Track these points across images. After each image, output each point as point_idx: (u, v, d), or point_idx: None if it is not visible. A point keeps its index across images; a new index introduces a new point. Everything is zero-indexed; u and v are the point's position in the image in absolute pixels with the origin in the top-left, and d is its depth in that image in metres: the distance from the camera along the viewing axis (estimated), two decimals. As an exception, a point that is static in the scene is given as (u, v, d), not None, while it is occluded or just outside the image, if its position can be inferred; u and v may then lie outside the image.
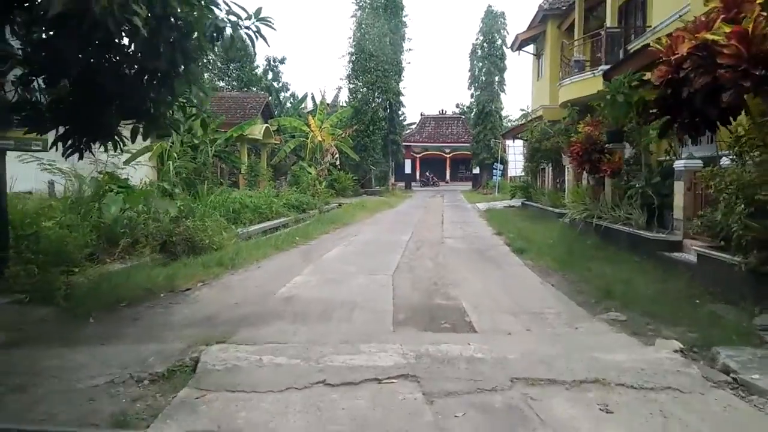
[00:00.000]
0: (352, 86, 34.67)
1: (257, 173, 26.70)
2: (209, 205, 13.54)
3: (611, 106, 9.98)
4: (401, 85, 37.32)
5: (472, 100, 41.34)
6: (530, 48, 23.98)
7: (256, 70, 39.71)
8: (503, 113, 41.73)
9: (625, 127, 11.39)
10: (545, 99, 21.33)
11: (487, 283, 7.43)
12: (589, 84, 15.34)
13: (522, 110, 17.96)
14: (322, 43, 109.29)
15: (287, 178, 28.91)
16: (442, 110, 50.44)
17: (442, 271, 8.32)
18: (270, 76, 47.36)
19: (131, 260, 8.52)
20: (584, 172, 13.37)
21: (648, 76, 5.59)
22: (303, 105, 39.27)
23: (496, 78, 40.35)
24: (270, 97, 31.97)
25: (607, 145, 11.82)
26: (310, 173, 25.06)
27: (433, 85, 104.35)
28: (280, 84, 47.74)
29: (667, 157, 10.22)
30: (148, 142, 19.50)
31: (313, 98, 36.19)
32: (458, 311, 5.86)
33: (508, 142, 39.46)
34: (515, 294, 6.75)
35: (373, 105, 34.45)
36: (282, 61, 47.36)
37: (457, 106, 59.17)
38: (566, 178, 16.54)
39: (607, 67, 14.29)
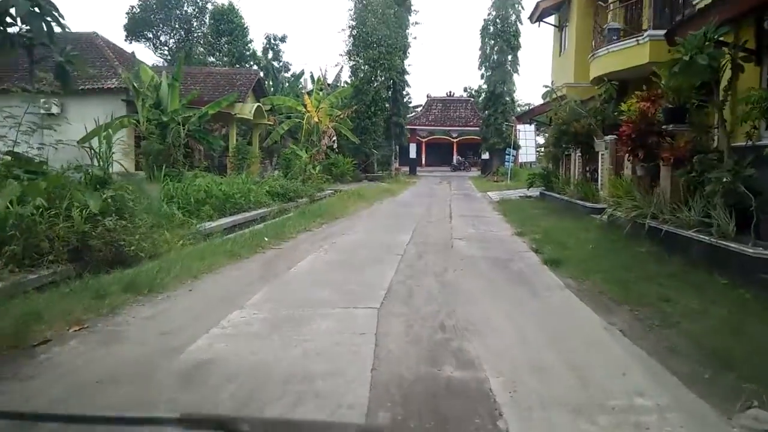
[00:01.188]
0: (352, 63, 31.91)
1: (245, 156, 24.24)
2: (165, 195, 11.06)
3: (685, 71, 7.33)
4: (406, 62, 34.52)
5: (482, 81, 38.46)
6: (551, 19, 21.17)
7: (250, 45, 36.95)
8: (515, 96, 38.85)
9: (690, 102, 8.77)
10: (569, 76, 18.62)
11: (521, 328, 4.88)
12: (630, 54, 12.67)
13: (546, 86, 15.22)
14: (327, 20, 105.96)
15: (275, 161, 26.34)
16: (450, 92, 47.61)
17: (453, 302, 5.77)
18: (270, 55, 44.66)
19: (15, 276, 6.06)
20: (628, 160, 10.75)
21: None
22: (300, 84, 36.63)
23: (509, 57, 37.38)
24: (261, 73, 29.33)
25: (665, 127, 9.21)
26: (301, 157, 22.41)
27: (440, 67, 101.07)
28: (281, 63, 45.00)
29: (749, 142, 7.60)
30: (103, 119, 17.07)
31: (312, 77, 33.49)
32: (483, 401, 3.33)
33: (520, 126, 36.87)
34: (572, 355, 4.20)
35: (375, 84, 31.67)
36: (283, 39, 44.56)
37: (465, 90, 56.29)
38: (600, 166, 13.90)
39: (657, 31, 11.63)
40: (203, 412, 1.12)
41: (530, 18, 20.71)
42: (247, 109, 27.40)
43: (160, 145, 15.87)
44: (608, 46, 13.17)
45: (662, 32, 11.68)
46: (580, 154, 15.77)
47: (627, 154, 9.89)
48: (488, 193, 23.30)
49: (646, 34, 11.91)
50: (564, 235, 10.12)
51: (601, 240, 9.62)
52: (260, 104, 28.58)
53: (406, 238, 10.21)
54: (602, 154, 13.72)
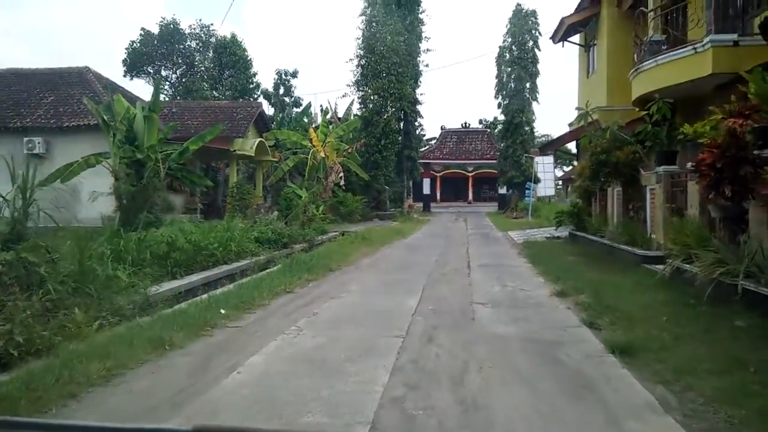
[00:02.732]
0: (360, 94, 30.05)
1: (244, 197, 22.21)
2: (114, 251, 8.88)
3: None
4: (418, 92, 32.70)
5: (499, 111, 36.42)
6: (577, 38, 19.10)
7: (254, 78, 35.46)
8: (534, 125, 36.69)
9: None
10: (600, 99, 16.39)
11: None
12: (686, 66, 10.39)
13: (579, 109, 12.92)
14: (339, 53, 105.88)
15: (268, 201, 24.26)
16: (465, 123, 45.61)
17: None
18: (281, 90, 43.36)
19: None
20: (707, 196, 8.31)
21: None
22: (311, 117, 34.90)
23: (527, 84, 35.44)
24: (262, 107, 27.45)
25: (758, 152, 6.82)
26: (301, 196, 20.27)
27: (454, 98, 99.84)
28: (292, 99, 43.63)
29: None
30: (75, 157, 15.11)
31: (322, 110, 31.74)
32: None
33: (538, 158, 34.76)
34: None
35: (386, 115, 29.73)
36: (294, 75, 43.24)
37: (481, 122, 54.38)
38: (649, 203, 11.45)
39: (722, 36, 9.39)
40: (216, 425, 1.17)
41: (552, 38, 18.63)
42: (248, 144, 25.49)
43: (131, 186, 13.80)
44: (656, 58, 10.88)
45: (729, 36, 9.43)
46: (620, 189, 13.34)
47: (706, 190, 7.43)
48: (509, 232, 20.87)
49: (707, 39, 9.63)
50: (620, 298, 7.65)
51: (674, 306, 7.12)
52: (263, 139, 26.75)
53: (411, 303, 7.80)
54: (651, 189, 11.29)
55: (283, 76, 42.88)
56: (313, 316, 7.05)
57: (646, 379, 4.70)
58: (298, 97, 42.02)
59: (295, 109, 40.05)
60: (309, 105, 36.33)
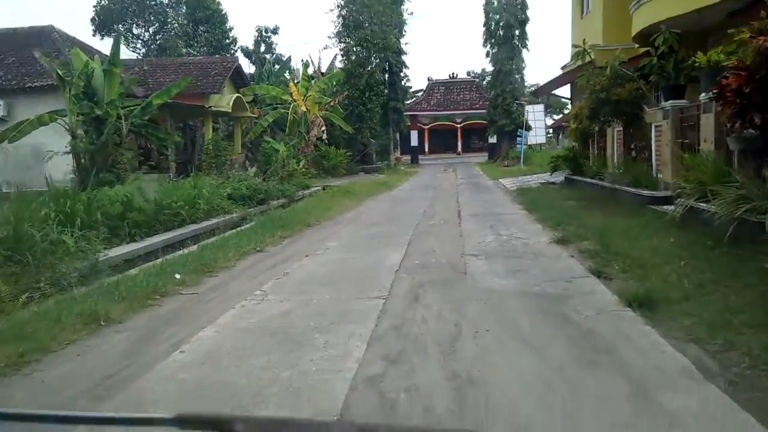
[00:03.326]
0: (342, 46, 28.43)
1: (219, 154, 21.01)
2: (58, 213, 7.89)
3: None
4: (403, 41, 31.06)
5: (488, 60, 34.87)
6: (570, -30, 17.73)
7: (230, 32, 33.59)
8: (524, 73, 35.26)
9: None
10: (596, 39, 15.22)
11: None
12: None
13: (576, 46, 11.82)
14: (320, 7, 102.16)
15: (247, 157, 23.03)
16: (453, 74, 43.96)
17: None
18: (262, 48, 41.36)
19: None
20: (729, 127, 7.38)
21: None
22: (290, 72, 33.26)
23: (516, 31, 33.82)
24: (238, 61, 25.93)
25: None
26: (278, 150, 19.15)
27: (441, 49, 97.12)
28: (273, 56, 41.68)
29: None
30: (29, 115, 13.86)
31: (303, 63, 30.08)
32: None
33: (528, 107, 33.65)
34: None
35: (369, 67, 28.20)
36: (275, 31, 41.26)
37: (469, 74, 52.60)
38: (654, 141, 10.54)
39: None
40: (200, 413, 0.88)
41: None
42: (225, 101, 24.10)
43: (90, 145, 12.66)
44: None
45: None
46: (621, 128, 12.39)
47: (731, 119, 6.48)
48: (501, 180, 19.98)
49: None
50: (628, 242, 6.83)
51: (690, 249, 6.31)
52: (240, 95, 25.32)
53: (395, 258, 6.93)
54: (657, 126, 10.36)
55: (264, 33, 40.87)
56: (283, 277, 6.17)
57: (675, 336, 3.89)
58: (280, 54, 40.29)
59: (276, 66, 38.34)
60: (289, 59, 34.75)
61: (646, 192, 9.77)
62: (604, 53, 13.68)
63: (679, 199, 8.19)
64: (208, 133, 23.96)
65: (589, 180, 13.76)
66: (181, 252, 7.67)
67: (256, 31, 39.02)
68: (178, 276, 5.98)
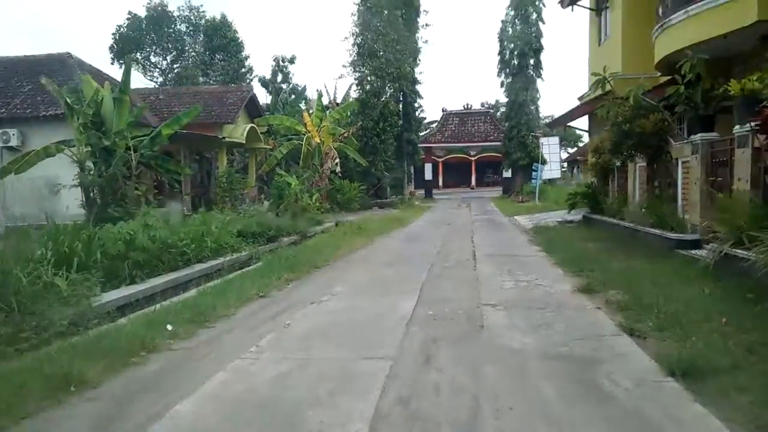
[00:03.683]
0: (357, 75, 28.44)
1: (233, 187, 20.83)
2: (55, 253, 7.56)
3: None
4: (417, 70, 30.99)
5: (503, 90, 34.71)
6: (586, 1, 17.51)
7: (247, 61, 33.87)
8: (539, 104, 34.99)
9: None
10: (615, 67, 14.83)
11: None
12: (723, 15, 8.89)
13: (595, 75, 11.39)
14: (337, 39, 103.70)
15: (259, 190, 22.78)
16: (467, 104, 43.90)
17: None
18: (279, 77, 41.78)
19: None
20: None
21: None
22: (306, 102, 33.39)
23: (531, 60, 33.68)
24: (253, 90, 25.96)
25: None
26: (290, 184, 18.87)
27: (455, 80, 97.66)
28: (290, 86, 42.04)
29: None
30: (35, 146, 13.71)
31: (318, 93, 30.13)
32: None
33: (543, 139, 33.33)
34: None
35: (384, 97, 28.12)
36: (292, 61, 41.63)
37: (483, 105, 52.65)
38: (681, 178, 10.00)
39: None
40: None
41: (561, 2, 17.03)
42: (239, 131, 24.04)
43: (98, 177, 12.44)
44: (687, 8, 9.36)
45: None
46: (643, 164, 11.88)
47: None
48: (516, 217, 19.44)
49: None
50: (659, 293, 6.24)
51: (729, 302, 5.73)
52: (254, 126, 25.28)
53: (407, 307, 6.41)
54: (685, 162, 9.83)
55: (281, 63, 41.25)
56: (284, 329, 5.67)
57: (734, 420, 3.32)
58: (296, 84, 40.52)
59: (292, 96, 38.55)
60: (304, 89, 34.86)
61: (672, 234, 9.19)
62: (624, 82, 13.26)
63: (710, 245, 7.63)
64: (222, 164, 23.87)
65: (608, 219, 13.18)
66: (179, 297, 7.21)
67: (273, 60, 39.36)
68: (170, 327, 5.52)
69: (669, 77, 11.14)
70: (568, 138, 58.64)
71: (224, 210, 16.35)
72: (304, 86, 36.93)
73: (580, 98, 19.78)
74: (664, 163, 10.86)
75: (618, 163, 13.43)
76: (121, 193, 12.86)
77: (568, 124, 19.44)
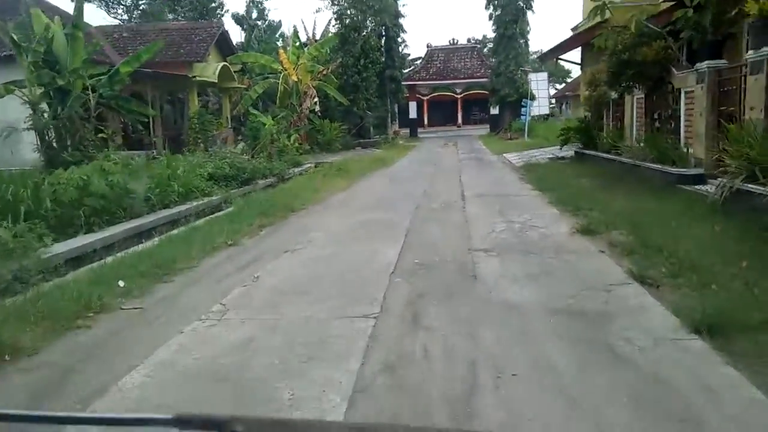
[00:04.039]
0: (336, 8, 26.77)
1: (206, 128, 19.74)
2: (2, 199, 6.77)
3: None
4: (400, 2, 29.27)
5: (491, 22, 33.04)
6: None
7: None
8: (529, 38, 33.48)
9: None
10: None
11: None
12: None
13: (593, 0, 10.40)
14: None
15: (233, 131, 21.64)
16: (453, 40, 42.13)
17: None
18: (254, 14, 39.41)
19: None
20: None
21: None
22: (283, 39, 31.68)
23: (521, -10, 32.01)
24: (224, 26, 24.36)
25: None
26: (265, 125, 17.87)
27: (440, 14, 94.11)
28: (266, 23, 39.79)
29: None
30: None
31: (295, 29, 28.39)
32: None
33: (531, 75, 32.25)
34: None
35: (365, 32, 26.56)
36: (267, -5, 39.28)
37: (469, 41, 50.62)
38: (684, 109, 9.31)
39: None
40: (199, 414, 0.84)
41: None
42: (210, 70, 22.62)
43: (53, 119, 11.41)
44: None
45: None
46: (642, 96, 11.13)
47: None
48: (505, 155, 18.74)
49: None
50: (667, 233, 5.70)
51: (747, 242, 5.19)
52: (227, 64, 23.85)
53: (390, 255, 5.78)
54: (689, 92, 9.11)
55: (255, -1, 38.91)
56: (252, 283, 5.03)
57: (779, 388, 2.78)
58: (273, 21, 38.42)
59: (268, 32, 36.48)
60: (280, 24, 32.99)
61: (674, 169, 8.59)
62: (625, 10, 12.35)
63: (718, 179, 7.04)
64: (194, 105, 22.61)
65: (603, 155, 12.55)
66: (138, 248, 6.50)
67: (248, -6, 37.07)
68: (122, 283, 4.84)
69: (672, 2, 10.26)
70: (556, 74, 57.16)
71: (195, 152, 15.45)
72: (279, 21, 34.82)
73: (573, 29, 18.73)
74: (664, 94, 10.13)
75: (614, 96, 12.66)
76: (79, 136, 11.88)
77: (560, 57, 18.42)
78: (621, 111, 12.69)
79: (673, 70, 9.50)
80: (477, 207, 8.72)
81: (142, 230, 7.99)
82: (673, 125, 9.89)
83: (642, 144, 10.45)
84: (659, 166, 9.06)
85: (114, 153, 11.37)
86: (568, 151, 15.53)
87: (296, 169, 16.26)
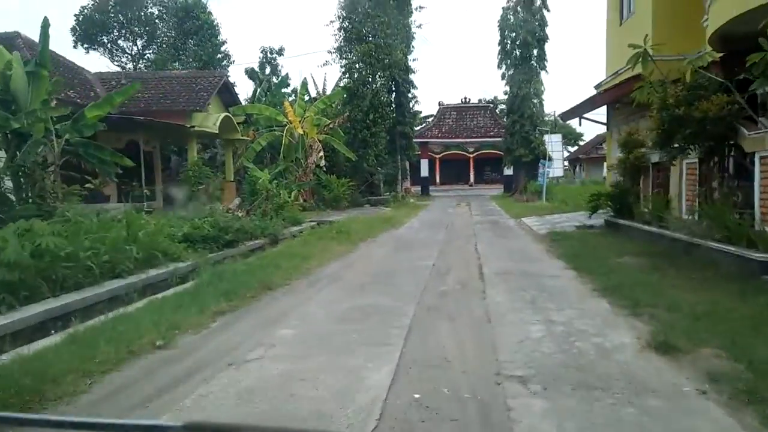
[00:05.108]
0: (344, 62, 25.80)
1: (200, 182, 18.25)
2: None
3: None
4: (411, 57, 28.33)
5: (504, 81, 32.05)
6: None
7: (223, 47, 31.13)
8: (543, 98, 32.24)
9: None
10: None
11: None
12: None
13: (634, 46, 8.79)
14: (326, 29, 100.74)
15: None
16: (465, 98, 41.23)
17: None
18: (267, 70, 39.07)
19: None
20: None
21: None
22: (295, 94, 30.76)
23: (535, 51, 31.10)
24: (227, 76, 23.34)
25: None
26: (260, 179, 16.35)
27: (452, 73, 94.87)
28: (279, 78, 39.38)
29: None
30: None
31: (303, 81, 27.41)
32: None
33: (546, 137, 31.04)
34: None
35: (374, 86, 25.45)
36: (280, 52, 38.92)
37: (480, 101, 50.03)
38: (757, 178, 7.50)
39: None
40: (206, 421, 0.96)
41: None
42: (211, 120, 21.35)
43: (7, 168, 9.85)
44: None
45: None
46: (695, 160, 9.36)
47: None
48: (524, 219, 16.94)
49: None
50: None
51: None
52: (229, 115, 22.66)
53: (379, 381, 3.84)
54: (764, 157, 7.32)
55: (269, 54, 38.59)
56: None
57: None
58: (285, 77, 37.92)
59: (274, 83, 35.85)
60: (287, 76, 32.25)
61: (758, 255, 6.67)
62: (665, 63, 10.80)
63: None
64: (192, 157, 21.24)
65: (642, 226, 10.71)
66: (28, 348, 4.63)
67: (261, 52, 36.71)
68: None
69: (722, 53, 8.71)
70: (567, 136, 56.20)
71: (187, 207, 13.87)
72: (287, 74, 34.06)
73: (596, 86, 17.29)
74: (727, 158, 8.35)
75: (656, 159, 10.94)
76: (39, 187, 10.29)
77: (583, 116, 16.88)
78: (664, 177, 10.92)
79: (743, 129, 7.77)
80: (501, 293, 6.82)
81: (70, 309, 6.18)
82: (740, 197, 8.05)
83: (698, 217, 8.59)
84: (731, 248, 7.16)
85: (73, 207, 9.72)
86: (596, 220, 13.70)
87: (294, 229, 14.55)
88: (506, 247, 11.24)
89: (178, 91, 21.58)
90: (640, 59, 9.10)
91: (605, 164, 44.61)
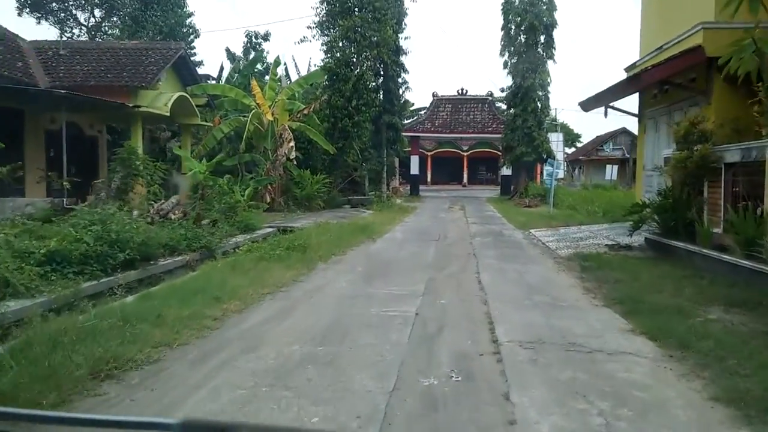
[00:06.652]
0: (325, 39, 22.37)
1: (130, 171, 14.74)
2: None
3: None
4: (402, 36, 24.94)
5: (506, 70, 28.71)
6: None
7: (190, 19, 27.52)
8: (549, 90, 28.92)
9: None
10: (697, 14, 9.36)
11: None
12: None
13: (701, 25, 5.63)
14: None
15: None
16: (462, 89, 37.85)
17: None
18: (252, 55, 35.63)
19: None
20: None
21: None
22: (274, 77, 27.33)
23: (542, 38, 27.87)
24: (184, 49, 19.79)
25: None
26: (199, 172, 12.96)
27: (449, 62, 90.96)
28: (264, 65, 35.90)
29: None
30: None
31: (276, 60, 23.90)
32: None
33: (549, 135, 28.26)
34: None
35: (358, 68, 22.05)
36: (266, 37, 35.43)
37: (488, 94, 46.70)
38: None
39: None
40: (205, 419, 1.25)
41: None
42: (162, 100, 17.92)
43: None
44: None
45: None
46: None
47: None
48: (533, 232, 13.70)
49: None
50: None
51: None
52: (186, 94, 19.18)
53: None
54: None
55: (254, 39, 35.22)
56: None
57: None
58: (260, 51, 34.42)
59: (267, 78, 32.42)
60: (263, 51, 28.80)
61: None
62: (722, 33, 7.65)
63: None
64: (136, 143, 17.66)
65: (711, 254, 7.51)
66: None
67: (245, 36, 33.34)
68: None
69: None
70: (565, 136, 53.32)
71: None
72: (262, 50, 30.53)
73: (628, 68, 14.07)
74: None
75: (735, 158, 7.72)
76: None
77: (610, 104, 13.65)
78: (747, 183, 7.68)
79: None
80: (533, 383, 3.52)
81: None
82: None
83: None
84: None
85: None
86: (635, 238, 10.48)
87: (242, 238, 11.23)
88: (522, 279, 7.92)
89: (123, 65, 18.08)
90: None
91: (608, 166, 41.89)
